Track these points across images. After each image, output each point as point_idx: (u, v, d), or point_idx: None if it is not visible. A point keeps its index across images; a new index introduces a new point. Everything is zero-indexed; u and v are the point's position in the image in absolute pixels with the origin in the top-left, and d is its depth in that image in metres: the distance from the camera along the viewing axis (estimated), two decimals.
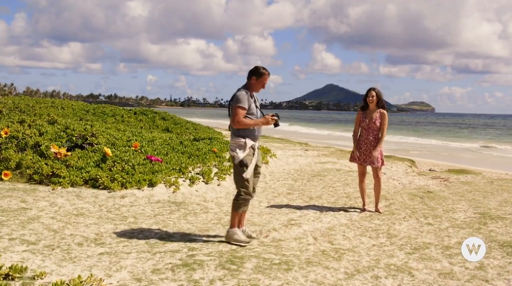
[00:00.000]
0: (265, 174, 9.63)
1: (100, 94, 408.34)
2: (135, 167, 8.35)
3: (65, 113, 19.92)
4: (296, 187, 8.72)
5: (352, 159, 7.19)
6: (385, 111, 6.95)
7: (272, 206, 7.31)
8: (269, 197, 7.93)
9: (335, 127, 58.06)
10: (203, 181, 8.40)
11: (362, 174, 7.16)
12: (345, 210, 7.20)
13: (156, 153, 9.47)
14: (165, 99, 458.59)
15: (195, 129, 20.03)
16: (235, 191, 8.43)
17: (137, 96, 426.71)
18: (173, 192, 7.74)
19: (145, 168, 8.34)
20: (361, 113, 7.04)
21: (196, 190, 7.98)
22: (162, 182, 7.98)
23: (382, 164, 7.02)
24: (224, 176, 8.75)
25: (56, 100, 25.74)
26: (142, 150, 9.51)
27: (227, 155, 9.99)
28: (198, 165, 9.09)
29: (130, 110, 21.62)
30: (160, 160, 8.83)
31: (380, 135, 6.93)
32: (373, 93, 6.90)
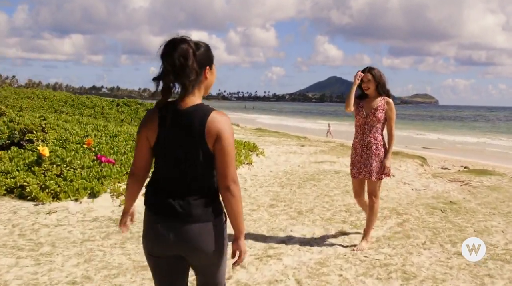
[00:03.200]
0: (246, 178, 7.81)
1: (102, 86, 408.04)
2: (77, 170, 6.56)
3: (39, 104, 18.15)
4: (282, 196, 6.90)
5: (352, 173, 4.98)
6: (390, 100, 4.75)
7: (247, 226, 5.51)
8: (245, 211, 6.12)
9: (335, 119, 56.14)
10: None
11: (357, 190, 4.97)
12: (344, 231, 5.40)
13: (113, 151, 7.68)
14: None
15: None
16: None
17: (139, 89, 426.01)
18: (120, 205, 5.95)
19: (91, 171, 6.56)
20: (356, 103, 4.81)
21: None
22: (108, 190, 6.20)
23: (387, 175, 4.79)
24: None
25: (38, 90, 24.01)
26: (97, 148, 7.73)
27: None
28: None
29: (112, 101, 19.81)
30: (113, 161, 7.04)
31: (388, 135, 4.76)
32: (369, 76, 4.68)
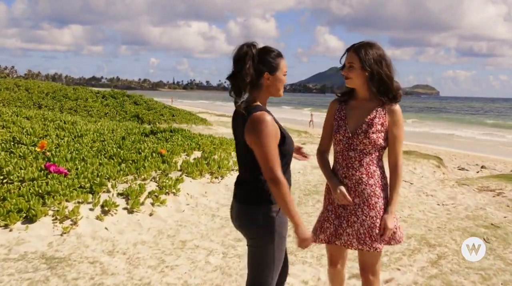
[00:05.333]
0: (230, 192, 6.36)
1: (102, 77, 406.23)
2: (15, 184, 5.12)
3: (18, 97, 16.67)
4: None
5: (316, 237, 2.73)
6: (396, 108, 2.63)
7: (225, 264, 4.07)
8: (226, 242, 4.68)
9: None
10: (125, 208, 5.15)
11: (335, 257, 2.83)
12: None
13: (71, 156, 6.23)
14: (168, 82, 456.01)
15: (173, 115, 16.79)
16: (175, 229, 4.82)
17: (139, 79, 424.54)
18: (62, 234, 4.50)
19: (33, 186, 5.11)
20: (335, 110, 2.75)
21: (106, 228, 4.74)
22: (51, 212, 4.76)
23: (396, 241, 2.68)
24: (164, 198, 5.51)
25: (21, 81, 22.50)
26: (51, 153, 6.28)
27: (179, 160, 6.73)
28: (128, 177, 5.85)
29: (98, 93, 18.34)
30: (65, 171, 5.59)
31: (390, 169, 2.67)
32: (354, 57, 2.59)
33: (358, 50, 2.58)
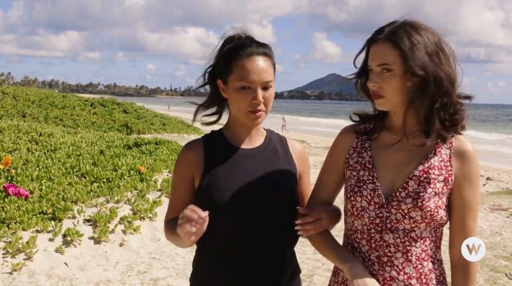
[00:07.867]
0: None
1: (99, 84, 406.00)
2: None
3: (1, 105, 15.97)
4: None
5: None
6: (469, 148, 1.36)
7: None
8: None
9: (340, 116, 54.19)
10: (91, 238, 4.47)
11: None
12: None
13: (37, 174, 5.56)
14: (165, 88, 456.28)
15: (163, 124, 16.11)
16: (147, 263, 4.10)
17: (136, 86, 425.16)
18: (12, 272, 3.82)
19: None
20: (349, 148, 1.46)
21: (66, 263, 4.06)
22: (1, 244, 4.07)
23: None
24: (138, 224, 4.82)
25: (9, 88, 21.81)
26: (16, 170, 5.61)
27: (159, 178, 6.05)
28: (99, 199, 5.16)
29: (86, 101, 17.66)
30: (26, 193, 4.91)
31: (459, 270, 1.41)
32: (391, 52, 1.28)
33: (397, 39, 1.30)
